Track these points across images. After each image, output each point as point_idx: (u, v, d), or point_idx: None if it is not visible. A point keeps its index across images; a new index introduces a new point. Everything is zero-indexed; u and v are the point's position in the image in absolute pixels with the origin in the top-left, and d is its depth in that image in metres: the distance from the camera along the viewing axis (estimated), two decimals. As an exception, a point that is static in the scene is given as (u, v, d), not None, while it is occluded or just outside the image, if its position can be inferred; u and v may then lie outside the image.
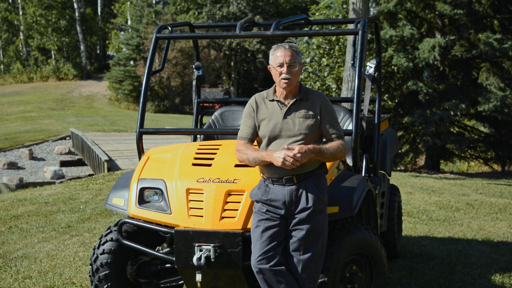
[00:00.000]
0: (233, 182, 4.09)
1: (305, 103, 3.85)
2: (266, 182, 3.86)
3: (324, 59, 15.51)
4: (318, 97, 3.89)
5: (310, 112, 3.83)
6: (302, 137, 3.79)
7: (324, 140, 3.90)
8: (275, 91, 3.92)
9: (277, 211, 3.80)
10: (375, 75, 5.27)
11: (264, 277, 3.76)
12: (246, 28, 5.28)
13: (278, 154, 3.67)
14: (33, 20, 43.86)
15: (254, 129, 3.90)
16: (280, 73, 3.80)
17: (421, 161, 19.14)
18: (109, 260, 4.42)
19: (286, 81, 3.80)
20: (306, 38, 15.89)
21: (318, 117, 3.83)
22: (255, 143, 3.98)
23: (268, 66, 3.91)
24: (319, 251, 3.81)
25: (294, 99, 3.85)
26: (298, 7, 45.66)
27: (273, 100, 3.89)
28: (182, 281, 4.53)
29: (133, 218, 4.39)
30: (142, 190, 4.35)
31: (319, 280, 3.99)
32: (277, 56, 3.82)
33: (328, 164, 4.27)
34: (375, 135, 5.28)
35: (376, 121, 5.33)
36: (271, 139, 3.84)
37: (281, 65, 3.80)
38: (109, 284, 4.42)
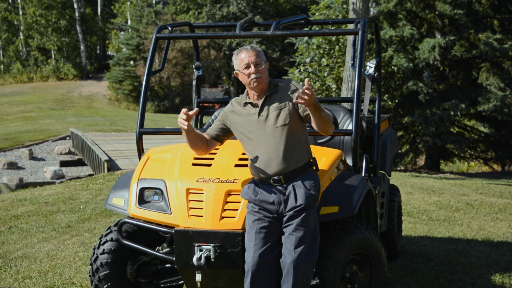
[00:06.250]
0: (233, 182, 4.09)
1: (275, 95, 3.86)
2: (256, 182, 3.89)
3: (324, 59, 15.49)
4: (286, 83, 3.89)
5: (282, 102, 3.82)
6: (282, 129, 3.79)
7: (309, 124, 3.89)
8: (248, 94, 3.94)
9: (268, 211, 3.81)
10: (375, 75, 5.27)
11: (255, 277, 3.77)
12: (246, 28, 5.27)
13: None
14: (33, 20, 43.86)
15: (219, 132, 4.02)
16: (249, 74, 3.80)
17: (421, 161, 19.11)
18: (109, 260, 4.42)
19: (257, 79, 3.80)
20: (306, 38, 15.87)
21: (289, 102, 3.82)
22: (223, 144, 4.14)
23: (235, 72, 3.90)
24: (310, 245, 3.79)
25: (264, 96, 3.86)
26: (298, 7, 45.60)
27: (246, 104, 3.91)
28: (182, 281, 4.53)
29: (133, 218, 4.39)
30: (142, 190, 4.35)
31: (318, 281, 3.99)
32: (242, 58, 3.82)
33: (327, 164, 4.27)
34: (375, 135, 5.27)
35: (376, 121, 5.32)
36: (252, 139, 3.85)
37: (247, 66, 3.81)
38: (109, 284, 4.42)
